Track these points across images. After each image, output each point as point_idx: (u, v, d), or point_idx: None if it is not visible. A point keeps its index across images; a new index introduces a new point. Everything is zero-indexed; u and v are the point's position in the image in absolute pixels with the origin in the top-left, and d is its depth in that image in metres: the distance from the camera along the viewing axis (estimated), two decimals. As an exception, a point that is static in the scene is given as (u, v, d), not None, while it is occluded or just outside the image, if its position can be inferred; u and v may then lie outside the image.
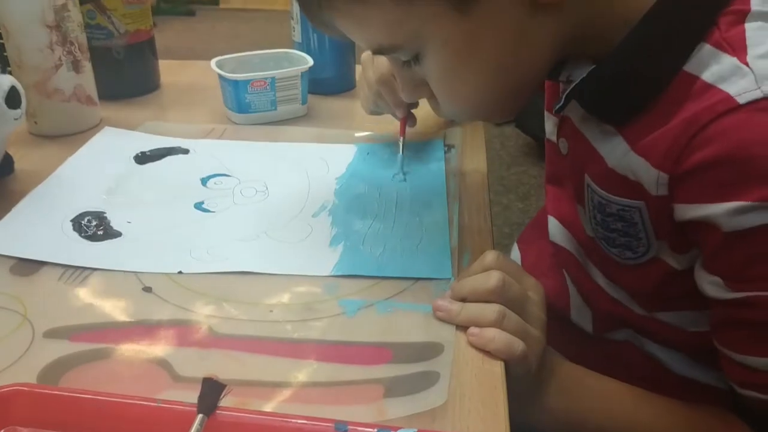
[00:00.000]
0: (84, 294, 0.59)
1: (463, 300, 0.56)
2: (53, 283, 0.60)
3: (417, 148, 0.84)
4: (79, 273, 0.61)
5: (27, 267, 0.62)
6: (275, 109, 0.91)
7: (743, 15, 0.51)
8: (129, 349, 0.53)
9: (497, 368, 0.51)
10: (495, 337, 0.52)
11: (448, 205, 0.72)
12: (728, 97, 0.48)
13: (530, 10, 0.52)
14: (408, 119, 0.81)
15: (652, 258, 0.59)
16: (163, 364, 0.51)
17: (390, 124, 0.84)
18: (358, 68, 0.85)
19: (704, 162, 0.49)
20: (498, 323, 0.53)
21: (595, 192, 0.60)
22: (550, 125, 0.72)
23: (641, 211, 0.56)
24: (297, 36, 0.99)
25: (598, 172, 0.59)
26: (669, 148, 0.51)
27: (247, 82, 0.88)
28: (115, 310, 0.57)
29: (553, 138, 0.72)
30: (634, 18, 0.53)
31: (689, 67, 0.51)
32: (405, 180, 0.77)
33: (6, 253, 0.63)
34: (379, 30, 0.56)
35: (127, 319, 0.56)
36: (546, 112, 0.74)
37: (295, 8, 0.98)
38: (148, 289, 0.60)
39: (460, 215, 0.70)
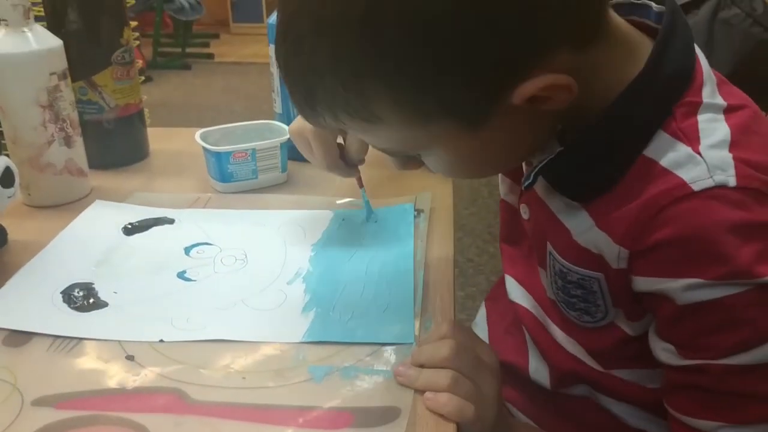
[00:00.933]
0: (71, 363, 0.63)
1: (422, 366, 0.60)
2: (42, 353, 0.64)
3: (387, 212, 0.89)
4: (67, 343, 0.66)
5: (18, 338, 0.66)
6: (256, 177, 0.97)
7: (696, 107, 0.56)
8: (110, 416, 0.57)
9: (450, 430, 0.56)
10: (447, 401, 0.57)
11: (414, 272, 0.76)
12: (683, 184, 0.53)
13: (534, 114, 0.55)
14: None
15: (609, 323, 0.64)
16: (141, 430, 0.55)
17: (373, 185, 0.89)
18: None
19: (662, 241, 0.54)
20: (451, 388, 0.58)
21: (557, 260, 0.64)
22: (504, 187, 0.77)
23: (600, 282, 0.61)
24: (278, 107, 1.05)
25: (562, 243, 0.63)
26: (630, 227, 0.55)
27: (229, 153, 0.94)
28: (99, 378, 0.61)
29: (509, 199, 0.77)
30: (608, 98, 0.57)
31: (648, 152, 0.56)
32: (377, 221, 0.87)
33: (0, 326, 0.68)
34: (387, 142, 0.60)
35: (110, 387, 0.60)
36: (501, 175, 0.79)
37: (276, 82, 1.04)
38: (130, 358, 0.64)
39: (425, 282, 0.75)
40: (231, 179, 0.96)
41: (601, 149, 0.58)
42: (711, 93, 0.57)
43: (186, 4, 4.94)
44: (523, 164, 0.71)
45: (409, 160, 0.67)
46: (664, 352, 0.58)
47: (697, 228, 0.52)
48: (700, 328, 0.55)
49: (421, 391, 0.59)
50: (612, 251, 0.57)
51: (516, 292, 0.77)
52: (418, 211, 0.90)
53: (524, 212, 0.70)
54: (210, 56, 5.36)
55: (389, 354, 0.64)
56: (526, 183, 0.63)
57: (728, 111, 0.57)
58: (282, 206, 0.93)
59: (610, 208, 0.57)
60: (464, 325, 0.65)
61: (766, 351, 0.53)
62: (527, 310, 0.75)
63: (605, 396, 0.71)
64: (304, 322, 0.69)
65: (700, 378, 0.56)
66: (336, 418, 0.57)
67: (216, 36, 5.89)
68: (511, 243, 0.78)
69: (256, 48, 5.40)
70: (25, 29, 0.86)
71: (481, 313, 0.87)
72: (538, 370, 0.75)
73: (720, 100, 0.57)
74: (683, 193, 0.53)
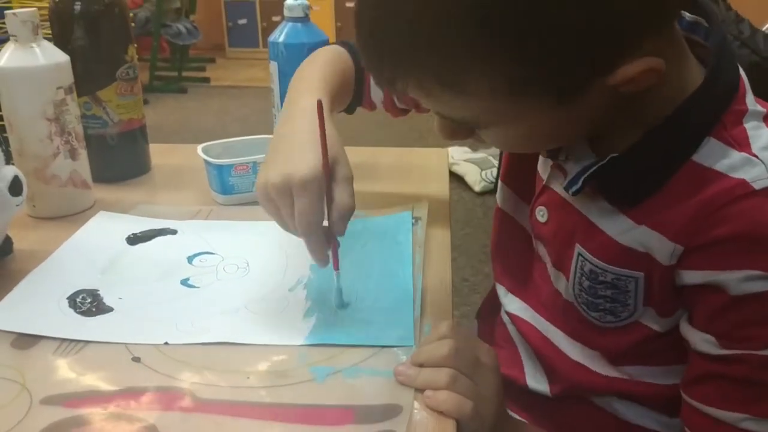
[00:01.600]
0: (78, 364, 0.65)
1: (421, 365, 0.62)
2: (50, 355, 0.66)
3: (386, 220, 0.91)
4: (73, 345, 0.67)
5: (26, 341, 0.68)
6: (257, 190, 0.99)
7: (742, 114, 0.59)
8: (119, 413, 0.58)
9: (449, 426, 0.57)
10: (446, 398, 0.59)
11: (413, 277, 0.78)
12: (744, 182, 0.56)
13: (613, 96, 0.55)
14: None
15: (632, 322, 0.66)
16: (150, 428, 0.57)
17: (370, 200, 0.91)
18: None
19: (723, 236, 0.56)
20: (450, 386, 0.59)
21: (589, 261, 0.66)
22: (503, 195, 0.79)
23: (638, 281, 0.63)
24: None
25: (598, 244, 0.64)
26: (687, 224, 0.58)
27: (230, 166, 0.96)
28: (106, 378, 0.63)
29: (506, 208, 0.78)
30: (666, 100, 0.59)
31: (698, 157, 0.58)
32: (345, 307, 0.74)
33: (7, 329, 0.69)
34: (461, 111, 0.58)
35: (117, 387, 0.62)
36: (501, 182, 0.81)
37: (276, 98, 1.06)
38: (136, 359, 0.65)
39: (423, 287, 0.76)
40: (232, 192, 0.98)
41: (658, 154, 0.60)
42: (752, 101, 0.61)
43: (183, 29, 4.99)
44: (538, 173, 0.72)
45: (460, 131, 0.63)
46: (703, 342, 0.60)
47: (759, 224, 0.55)
48: (747, 319, 0.57)
49: (420, 390, 0.60)
50: (665, 248, 0.60)
51: (513, 304, 0.79)
52: (416, 219, 0.92)
53: (541, 215, 0.71)
54: (206, 80, 5.40)
55: (390, 355, 0.66)
56: (574, 189, 0.63)
57: (767, 118, 0.60)
58: (282, 218, 0.94)
59: (657, 208, 0.60)
60: (463, 325, 0.66)
61: None
62: (526, 321, 0.77)
63: (607, 396, 0.72)
64: (305, 326, 0.70)
65: (737, 368, 0.58)
66: (337, 415, 0.58)
67: (212, 60, 5.93)
68: (504, 253, 0.80)
69: (251, 72, 5.45)
70: (34, 44, 0.88)
71: (474, 329, 0.89)
72: (536, 379, 0.77)
73: (759, 108, 0.61)
74: (745, 191, 0.56)
